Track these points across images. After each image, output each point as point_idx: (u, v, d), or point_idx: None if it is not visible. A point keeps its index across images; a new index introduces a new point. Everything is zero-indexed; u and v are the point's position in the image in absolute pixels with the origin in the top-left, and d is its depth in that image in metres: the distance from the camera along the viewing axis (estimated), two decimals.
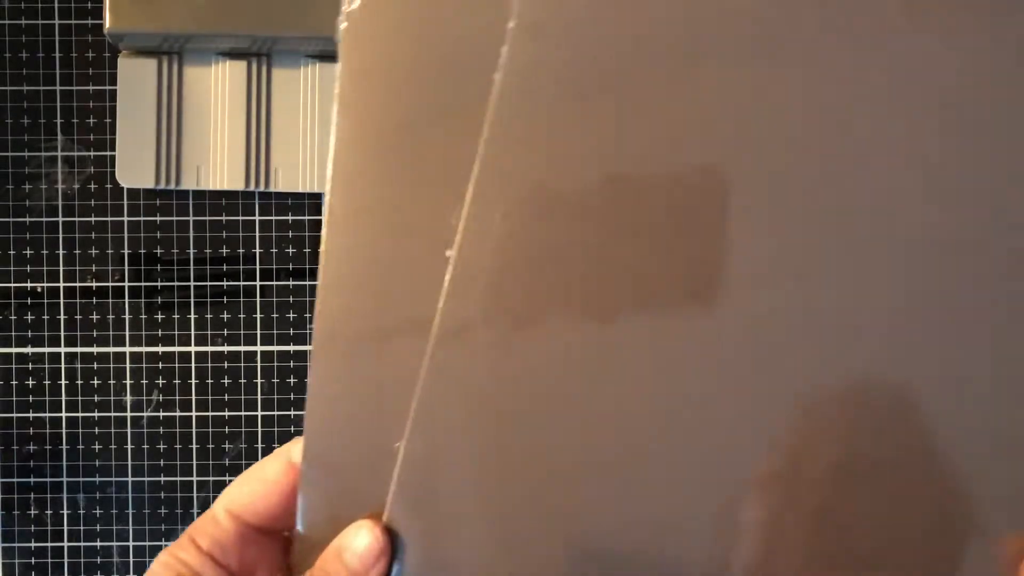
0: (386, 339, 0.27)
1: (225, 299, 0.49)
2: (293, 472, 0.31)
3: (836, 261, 0.26)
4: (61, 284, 0.49)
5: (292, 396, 0.49)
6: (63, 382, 0.49)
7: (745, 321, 0.26)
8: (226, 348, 0.49)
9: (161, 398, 0.49)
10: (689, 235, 0.26)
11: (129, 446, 0.49)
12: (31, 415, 0.49)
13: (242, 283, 0.49)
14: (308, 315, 0.49)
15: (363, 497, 0.28)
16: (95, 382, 0.49)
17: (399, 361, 0.27)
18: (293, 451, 0.31)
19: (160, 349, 0.49)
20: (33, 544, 0.49)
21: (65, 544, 0.49)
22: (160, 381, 0.49)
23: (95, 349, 0.49)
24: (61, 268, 0.49)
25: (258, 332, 0.49)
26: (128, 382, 0.49)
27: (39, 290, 0.49)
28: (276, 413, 0.49)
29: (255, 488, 0.31)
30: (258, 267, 0.49)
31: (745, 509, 0.26)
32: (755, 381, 0.26)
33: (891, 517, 0.26)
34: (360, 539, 0.28)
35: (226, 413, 0.49)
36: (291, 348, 0.49)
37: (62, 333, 0.49)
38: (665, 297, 0.26)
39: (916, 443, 0.26)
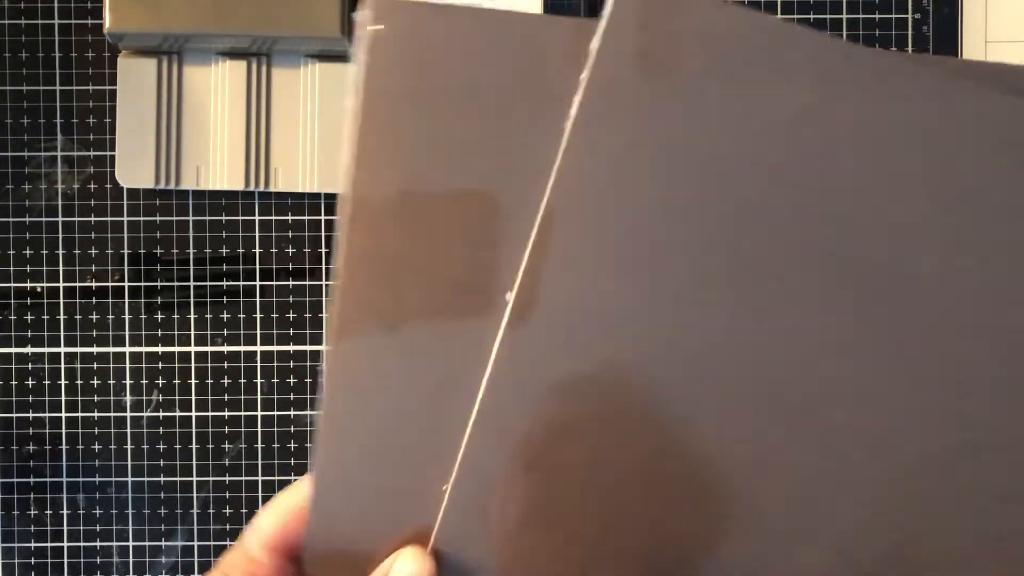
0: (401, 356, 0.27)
1: (225, 299, 0.49)
2: None
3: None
4: (61, 284, 0.49)
5: (292, 396, 0.49)
6: (63, 382, 0.49)
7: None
8: (226, 348, 0.49)
9: (161, 398, 0.49)
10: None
11: (129, 446, 0.49)
12: (31, 415, 0.49)
13: (242, 283, 0.49)
14: (308, 315, 0.49)
15: (379, 520, 0.29)
16: (95, 382, 0.49)
17: (413, 390, 0.27)
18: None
19: (160, 349, 0.49)
20: (33, 544, 0.49)
21: (65, 544, 0.49)
22: (160, 381, 0.49)
23: (95, 349, 0.49)
24: (61, 268, 0.49)
25: (258, 332, 0.49)
26: (128, 382, 0.49)
27: (39, 290, 0.49)
28: (276, 413, 0.49)
29: (284, 518, 0.31)
30: (258, 267, 0.49)
31: None
32: None
33: None
34: (408, 564, 0.28)
35: (226, 413, 0.49)
36: (291, 348, 0.49)
37: (62, 333, 0.49)
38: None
39: None
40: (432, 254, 0.27)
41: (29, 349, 0.49)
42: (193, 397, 0.49)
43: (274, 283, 0.49)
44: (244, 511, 0.49)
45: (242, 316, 0.49)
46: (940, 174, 0.25)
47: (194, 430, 0.49)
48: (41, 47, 0.49)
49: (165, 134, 0.47)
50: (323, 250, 0.49)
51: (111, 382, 0.49)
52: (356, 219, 0.27)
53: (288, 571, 0.31)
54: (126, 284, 0.49)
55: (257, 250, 0.49)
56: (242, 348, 0.49)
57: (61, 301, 0.49)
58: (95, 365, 0.49)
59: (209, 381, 0.49)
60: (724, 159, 0.26)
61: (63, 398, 0.49)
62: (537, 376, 0.26)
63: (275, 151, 0.48)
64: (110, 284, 0.49)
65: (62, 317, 0.49)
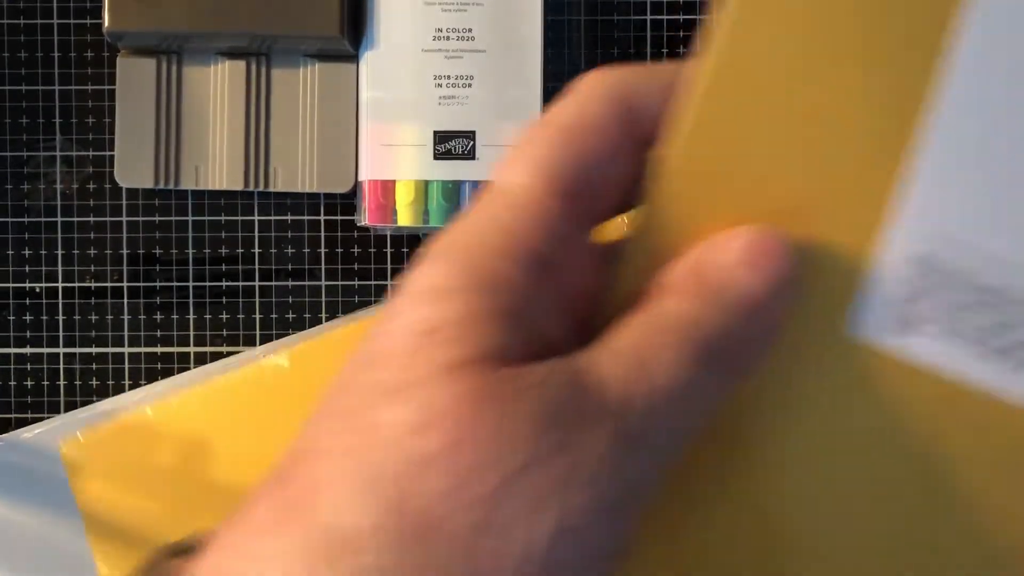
0: None
1: (224, 299, 0.49)
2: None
3: None
4: (60, 284, 0.49)
5: None
6: (63, 382, 0.49)
7: None
8: (225, 348, 0.49)
9: None
10: None
11: None
12: (31, 415, 0.49)
13: (241, 283, 0.49)
14: (308, 315, 0.49)
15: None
16: (95, 382, 0.49)
17: None
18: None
19: (160, 349, 0.49)
20: None
21: None
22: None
23: (95, 349, 0.49)
24: (60, 268, 0.49)
25: (258, 332, 0.49)
26: (128, 382, 0.49)
27: (38, 290, 0.49)
28: None
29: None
30: (257, 267, 0.49)
31: None
32: None
33: None
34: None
35: None
36: None
37: (61, 333, 0.49)
38: None
39: None
40: None
41: (29, 349, 0.49)
42: None
43: (274, 283, 0.49)
44: None
45: (242, 316, 0.49)
46: None
47: None
48: (41, 47, 0.49)
49: (164, 134, 0.47)
50: (323, 250, 0.49)
51: (111, 382, 0.49)
52: None
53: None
54: (125, 284, 0.49)
55: (257, 250, 0.49)
56: (242, 348, 0.49)
57: (60, 301, 0.49)
58: (95, 365, 0.49)
59: None
60: None
61: (63, 398, 0.49)
62: None
63: (275, 151, 0.48)
64: (109, 284, 0.49)
65: (61, 317, 0.49)
